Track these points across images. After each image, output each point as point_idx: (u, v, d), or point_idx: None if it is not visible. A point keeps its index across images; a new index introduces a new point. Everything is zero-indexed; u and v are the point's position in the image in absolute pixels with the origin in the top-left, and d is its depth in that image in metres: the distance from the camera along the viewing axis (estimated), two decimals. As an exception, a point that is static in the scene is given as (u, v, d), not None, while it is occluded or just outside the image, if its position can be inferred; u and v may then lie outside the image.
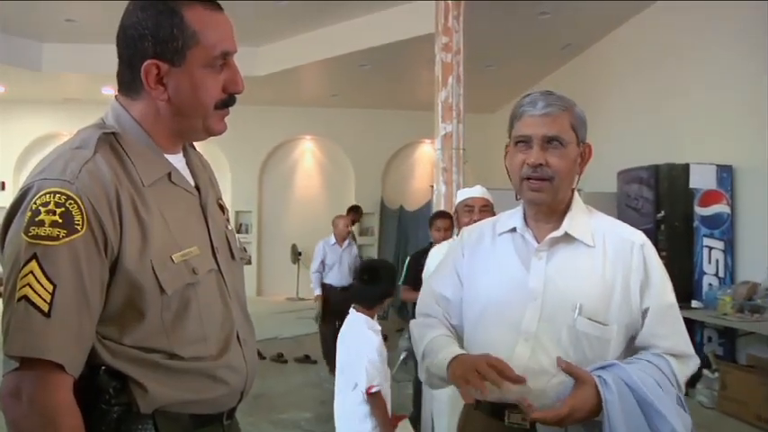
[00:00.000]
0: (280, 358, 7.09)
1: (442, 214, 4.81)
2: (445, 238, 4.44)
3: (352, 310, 3.01)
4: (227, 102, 1.34)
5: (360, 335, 2.90)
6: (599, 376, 1.50)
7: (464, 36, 5.88)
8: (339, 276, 6.85)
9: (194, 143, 1.51)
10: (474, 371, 1.51)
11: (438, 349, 1.70)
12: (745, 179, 5.90)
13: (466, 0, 5.94)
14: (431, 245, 4.64)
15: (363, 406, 2.83)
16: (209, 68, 1.29)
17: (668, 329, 1.62)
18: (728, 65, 6.01)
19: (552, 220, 1.68)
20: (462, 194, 3.55)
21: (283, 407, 5.42)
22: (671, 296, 1.65)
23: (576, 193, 1.72)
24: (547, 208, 1.67)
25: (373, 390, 2.79)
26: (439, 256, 3.53)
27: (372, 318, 2.98)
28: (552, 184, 1.61)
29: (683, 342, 1.64)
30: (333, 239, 7.14)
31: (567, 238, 1.65)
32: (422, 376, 1.83)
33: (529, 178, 1.62)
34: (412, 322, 1.95)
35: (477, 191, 3.49)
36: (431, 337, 1.76)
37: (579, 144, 1.64)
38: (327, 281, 6.85)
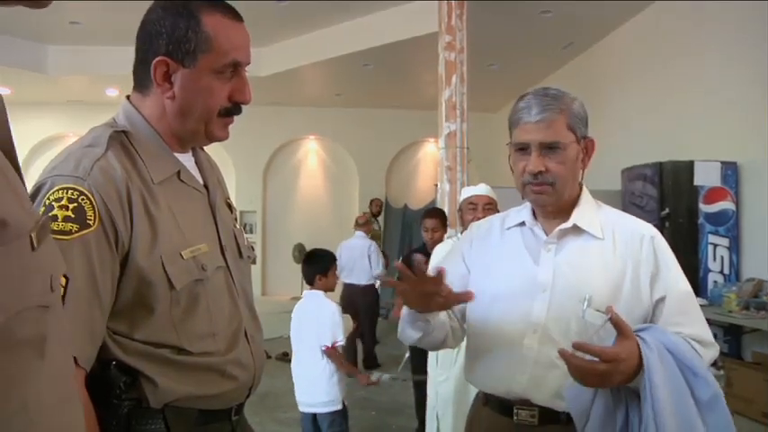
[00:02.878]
0: (285, 357, 7.10)
1: (431, 214, 4.65)
2: (433, 239, 4.37)
3: (306, 291, 3.78)
4: (230, 110, 1.36)
5: (322, 304, 3.68)
6: (639, 336, 1.46)
7: (467, 35, 5.89)
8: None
9: None
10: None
11: None
12: (750, 176, 5.89)
13: (469, -1, 5.95)
14: (424, 246, 4.60)
15: (329, 366, 3.58)
16: (218, 74, 1.32)
17: (686, 317, 1.60)
18: (732, 62, 6.00)
19: (560, 213, 1.69)
20: (466, 192, 3.56)
21: (289, 405, 5.41)
22: (685, 285, 1.63)
23: (584, 188, 1.73)
24: (553, 206, 1.68)
25: (339, 344, 3.58)
26: (442, 254, 3.53)
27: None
28: (554, 188, 1.62)
29: (703, 329, 1.61)
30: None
31: (576, 230, 1.66)
32: (400, 336, 1.84)
33: (533, 184, 1.63)
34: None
35: (481, 189, 3.49)
36: None
37: (579, 141, 1.64)
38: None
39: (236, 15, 1.35)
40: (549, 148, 1.60)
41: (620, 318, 1.44)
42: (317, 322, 3.63)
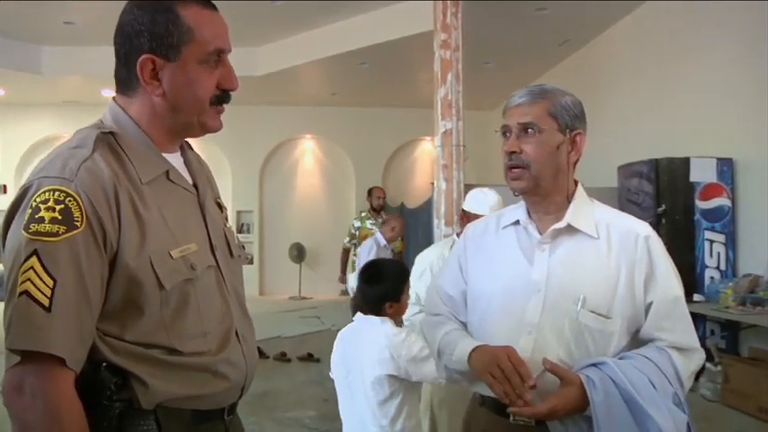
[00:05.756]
0: (283, 357, 7.11)
1: None
2: None
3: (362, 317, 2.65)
4: (221, 98, 1.36)
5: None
6: (587, 376, 1.50)
7: (462, 33, 5.88)
8: None
9: (193, 143, 1.52)
10: (497, 366, 1.50)
11: (453, 343, 1.69)
12: (746, 172, 5.90)
13: (464, -3, 5.94)
14: None
15: (397, 420, 2.47)
16: (203, 65, 1.32)
17: (672, 323, 1.60)
18: (728, 58, 6.01)
19: (554, 211, 1.68)
20: (485, 207, 3.41)
21: (287, 405, 5.43)
22: (677, 289, 1.63)
23: (579, 185, 1.72)
24: (541, 198, 1.67)
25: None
26: (431, 258, 3.47)
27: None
28: (530, 172, 1.62)
29: (688, 336, 1.62)
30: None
31: (571, 229, 1.65)
32: (440, 374, 1.83)
33: (510, 167, 1.65)
34: (421, 322, 1.95)
35: (495, 206, 3.38)
36: (443, 333, 1.75)
37: (565, 132, 1.64)
38: None
39: (210, 5, 1.36)
40: (525, 130, 1.62)
41: (556, 366, 1.51)
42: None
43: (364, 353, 2.53)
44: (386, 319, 2.57)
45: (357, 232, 7.12)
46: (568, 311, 1.58)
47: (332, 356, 2.76)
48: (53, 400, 1.13)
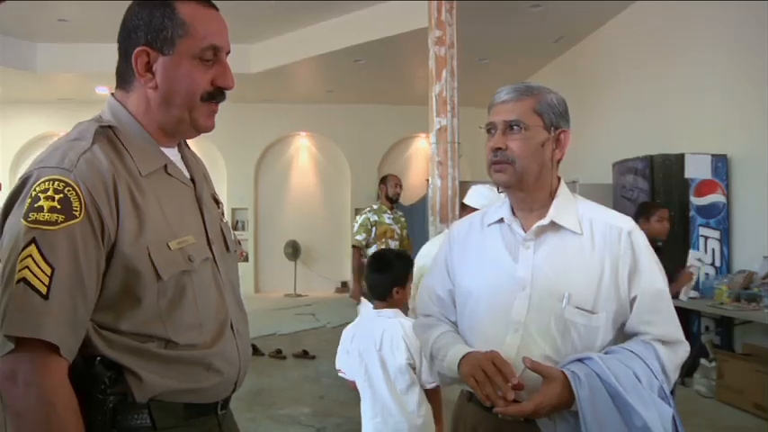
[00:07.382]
0: (278, 354, 7.11)
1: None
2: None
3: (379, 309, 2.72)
4: (214, 95, 1.37)
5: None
6: (572, 372, 1.50)
7: (457, 30, 5.88)
8: None
9: (188, 140, 1.53)
10: (480, 370, 1.51)
11: (445, 348, 1.70)
12: (740, 168, 5.92)
13: (459, -7, 5.94)
14: None
15: (421, 406, 2.57)
16: (198, 60, 1.33)
17: (657, 316, 1.61)
18: (722, 54, 6.02)
19: (537, 208, 1.68)
20: (487, 201, 3.40)
21: (282, 402, 5.43)
22: (660, 282, 1.63)
23: (562, 182, 1.73)
24: (525, 195, 1.68)
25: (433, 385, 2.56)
26: (428, 254, 3.49)
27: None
28: (514, 168, 1.62)
29: (673, 328, 1.62)
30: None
31: (554, 226, 1.65)
32: (434, 377, 1.83)
33: (493, 162, 1.65)
34: (413, 323, 1.95)
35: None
36: (435, 337, 1.76)
37: (550, 129, 1.65)
38: None
39: (209, 3, 1.38)
40: (511, 126, 1.63)
41: (537, 364, 1.51)
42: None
43: (385, 345, 2.60)
44: (397, 311, 2.68)
45: (374, 228, 5.78)
46: (554, 308, 1.58)
47: (339, 355, 2.82)
48: (47, 389, 1.13)
